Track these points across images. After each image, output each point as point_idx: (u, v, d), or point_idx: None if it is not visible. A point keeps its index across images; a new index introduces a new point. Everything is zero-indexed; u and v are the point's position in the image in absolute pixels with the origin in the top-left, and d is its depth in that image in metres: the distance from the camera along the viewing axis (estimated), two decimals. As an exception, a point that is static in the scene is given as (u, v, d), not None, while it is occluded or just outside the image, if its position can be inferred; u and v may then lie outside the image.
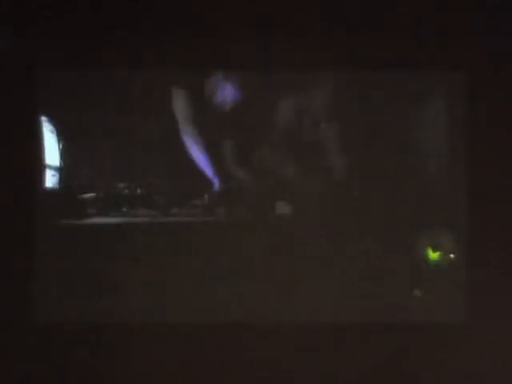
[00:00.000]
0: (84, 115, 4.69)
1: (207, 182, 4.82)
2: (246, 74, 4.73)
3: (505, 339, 4.42)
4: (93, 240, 4.60)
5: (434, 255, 4.68)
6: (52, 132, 4.69)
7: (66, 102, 4.67)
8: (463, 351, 4.44)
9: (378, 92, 4.66)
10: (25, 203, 4.49)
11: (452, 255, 4.66)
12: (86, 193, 4.73)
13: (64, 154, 4.72)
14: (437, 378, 4.44)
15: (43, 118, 4.64)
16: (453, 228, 4.63)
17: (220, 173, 4.82)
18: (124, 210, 4.75)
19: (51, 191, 4.67)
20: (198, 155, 4.79)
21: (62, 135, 4.71)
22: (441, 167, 4.71)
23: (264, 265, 4.57)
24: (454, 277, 4.59)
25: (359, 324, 4.48)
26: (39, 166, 4.61)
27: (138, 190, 4.78)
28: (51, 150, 4.68)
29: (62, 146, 4.72)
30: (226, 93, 4.81)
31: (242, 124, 4.75)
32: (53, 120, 4.69)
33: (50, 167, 4.68)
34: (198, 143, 4.78)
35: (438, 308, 4.57)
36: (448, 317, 4.53)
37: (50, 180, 4.68)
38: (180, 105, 4.83)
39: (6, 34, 4.43)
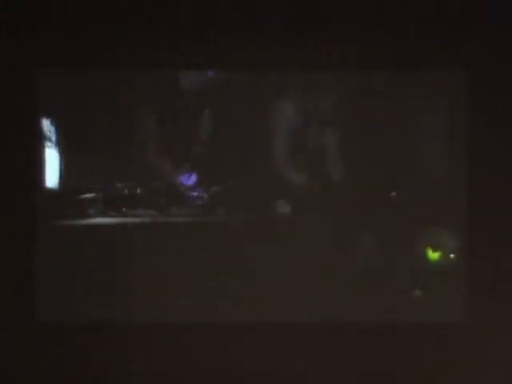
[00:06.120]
0: (84, 115, 4.69)
1: (206, 183, 4.82)
2: (245, 74, 4.74)
3: (505, 339, 4.42)
4: (93, 240, 4.60)
5: (433, 255, 4.68)
6: (52, 132, 4.69)
7: (66, 102, 4.67)
8: (463, 351, 4.44)
9: (377, 92, 4.66)
10: (25, 203, 4.49)
11: (452, 255, 4.66)
12: (85, 193, 4.73)
13: (64, 154, 4.72)
14: (437, 378, 4.44)
15: (43, 118, 4.64)
16: (453, 228, 4.63)
17: (220, 173, 4.82)
18: (124, 209, 4.76)
19: (51, 191, 4.67)
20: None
21: (62, 135, 4.71)
22: (441, 167, 4.71)
23: (264, 264, 4.57)
24: (454, 277, 4.60)
25: (359, 324, 4.48)
26: (39, 166, 4.61)
27: (138, 190, 4.78)
28: (51, 150, 4.68)
29: (62, 146, 4.72)
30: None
31: (242, 124, 4.75)
32: (53, 120, 4.69)
33: (50, 167, 4.67)
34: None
35: (437, 308, 4.57)
36: (448, 317, 4.53)
37: (50, 180, 4.68)
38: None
39: (6, 35, 4.43)
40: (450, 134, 4.69)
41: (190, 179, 4.81)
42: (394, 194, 4.70)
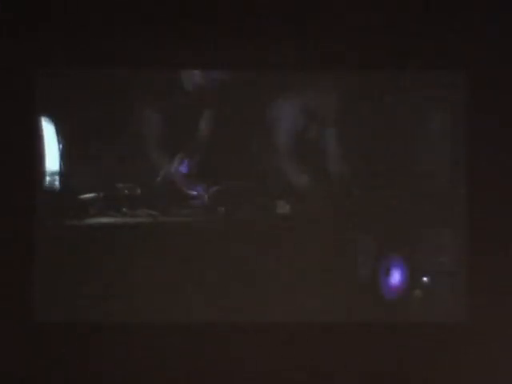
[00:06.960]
0: (84, 115, 4.69)
1: (209, 182, 4.82)
2: (245, 74, 4.74)
3: (505, 339, 4.42)
4: (93, 240, 4.60)
5: (433, 255, 4.68)
6: (52, 132, 4.69)
7: (65, 102, 4.67)
8: (463, 351, 4.44)
9: (377, 93, 4.66)
10: (25, 203, 4.49)
11: (452, 255, 4.66)
12: (86, 193, 4.73)
13: (64, 154, 4.72)
14: (437, 378, 4.44)
15: (43, 118, 4.64)
16: (453, 228, 4.63)
17: (220, 173, 4.82)
18: (124, 210, 4.75)
19: (51, 191, 4.67)
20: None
21: (62, 135, 4.71)
22: (441, 167, 4.71)
23: (263, 265, 4.57)
24: (454, 277, 4.60)
25: (359, 324, 4.48)
26: (39, 167, 4.61)
27: (138, 190, 4.78)
28: (51, 151, 4.68)
29: (62, 146, 4.72)
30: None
31: (242, 124, 4.75)
32: (53, 120, 4.69)
33: (50, 167, 4.67)
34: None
35: (438, 308, 4.57)
36: (448, 317, 4.54)
37: (50, 180, 4.67)
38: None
39: (6, 35, 4.43)
40: (450, 133, 4.69)
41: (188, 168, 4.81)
42: (393, 193, 4.70)
